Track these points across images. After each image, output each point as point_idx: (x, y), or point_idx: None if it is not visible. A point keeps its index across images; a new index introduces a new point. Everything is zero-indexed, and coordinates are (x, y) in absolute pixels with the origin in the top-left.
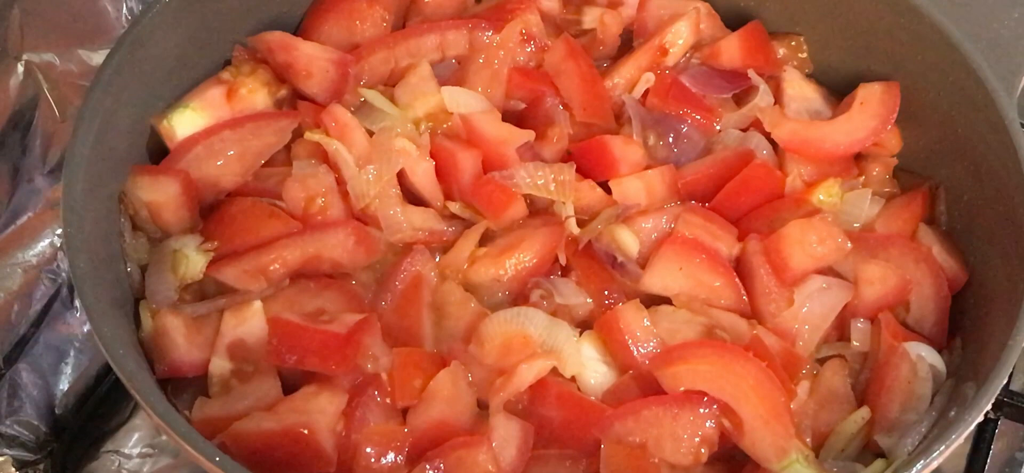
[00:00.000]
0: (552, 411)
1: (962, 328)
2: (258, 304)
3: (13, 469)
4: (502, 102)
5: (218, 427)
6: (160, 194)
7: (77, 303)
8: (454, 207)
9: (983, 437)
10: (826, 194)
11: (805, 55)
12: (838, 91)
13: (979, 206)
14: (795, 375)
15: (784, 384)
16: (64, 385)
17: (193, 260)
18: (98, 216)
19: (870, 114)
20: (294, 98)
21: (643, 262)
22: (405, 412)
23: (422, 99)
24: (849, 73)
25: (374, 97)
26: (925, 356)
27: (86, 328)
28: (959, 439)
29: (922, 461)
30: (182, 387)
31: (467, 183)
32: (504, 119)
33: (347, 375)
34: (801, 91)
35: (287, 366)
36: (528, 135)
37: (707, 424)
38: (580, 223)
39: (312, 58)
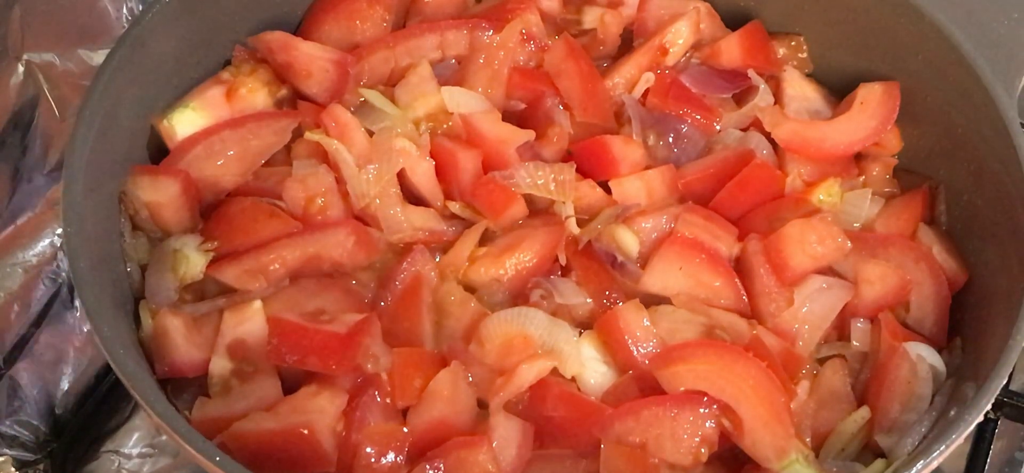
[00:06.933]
0: (552, 411)
1: (962, 328)
2: (258, 304)
3: (13, 469)
4: (502, 102)
5: (218, 427)
6: (160, 194)
7: (77, 303)
8: (454, 207)
9: (983, 437)
10: (826, 194)
11: (805, 55)
12: (838, 91)
13: (979, 206)
14: (795, 375)
15: (784, 384)
16: (64, 385)
17: (193, 260)
18: (98, 216)
19: (870, 114)
20: (294, 98)
21: (643, 262)
22: (405, 412)
23: (422, 99)
24: (849, 73)
25: (374, 97)
26: (925, 356)
27: (86, 328)
28: (959, 439)
29: (922, 461)
30: (182, 387)
31: (467, 183)
32: (504, 119)
33: (347, 375)
34: (801, 91)
35: (287, 366)
36: (528, 135)
37: (707, 424)
38: (580, 223)
39: (312, 58)
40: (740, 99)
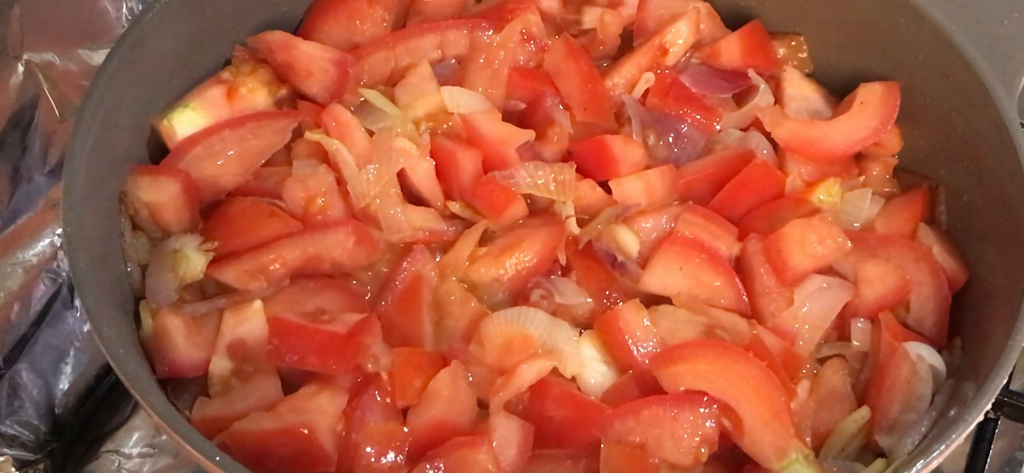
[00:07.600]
0: (552, 411)
1: (962, 328)
2: (258, 304)
3: (13, 469)
4: (502, 102)
5: (218, 427)
6: (160, 194)
7: (77, 303)
8: (454, 207)
9: (983, 437)
10: (826, 194)
11: (805, 55)
12: (838, 91)
13: (979, 206)
14: (795, 375)
15: (784, 384)
16: (64, 385)
17: (193, 260)
18: (98, 216)
19: (870, 114)
20: (294, 98)
21: (643, 262)
22: (405, 412)
23: (422, 99)
24: (849, 73)
25: (374, 97)
26: (925, 356)
27: (86, 328)
28: (959, 439)
29: (922, 461)
30: (182, 387)
31: (467, 183)
32: (504, 119)
33: (347, 375)
34: (801, 91)
35: (287, 366)
36: (528, 135)
37: (707, 424)
38: (580, 223)
39: (312, 58)
40: (740, 99)
